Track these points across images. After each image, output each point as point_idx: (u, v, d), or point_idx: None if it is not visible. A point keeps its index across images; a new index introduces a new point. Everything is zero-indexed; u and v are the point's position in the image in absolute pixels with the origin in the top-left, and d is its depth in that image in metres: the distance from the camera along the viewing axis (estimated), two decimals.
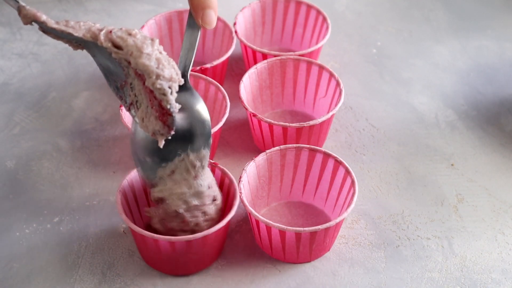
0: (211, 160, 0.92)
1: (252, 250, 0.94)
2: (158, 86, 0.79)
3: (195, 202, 0.88)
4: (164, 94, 0.80)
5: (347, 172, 0.93)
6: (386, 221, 0.97)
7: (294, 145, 0.96)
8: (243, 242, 0.95)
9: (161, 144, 0.83)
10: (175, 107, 0.81)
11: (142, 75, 0.80)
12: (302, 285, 0.90)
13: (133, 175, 0.92)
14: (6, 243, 0.93)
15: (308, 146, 0.96)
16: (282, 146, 0.96)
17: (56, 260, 0.92)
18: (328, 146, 1.06)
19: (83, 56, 1.19)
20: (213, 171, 0.93)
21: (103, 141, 1.06)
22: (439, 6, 1.32)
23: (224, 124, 1.01)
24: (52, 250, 0.93)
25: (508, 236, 0.96)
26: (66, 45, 1.20)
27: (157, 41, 0.81)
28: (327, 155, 0.95)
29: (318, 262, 0.93)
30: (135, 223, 0.89)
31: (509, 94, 1.15)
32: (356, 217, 0.97)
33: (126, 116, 0.99)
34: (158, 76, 0.79)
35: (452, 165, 1.05)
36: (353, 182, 0.92)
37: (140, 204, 0.94)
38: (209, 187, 0.89)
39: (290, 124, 0.99)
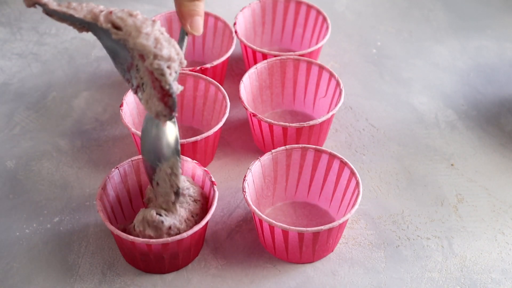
0: (193, 160, 0.94)
1: (252, 250, 0.94)
2: (155, 66, 0.78)
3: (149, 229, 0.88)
4: (163, 75, 0.78)
5: (352, 173, 0.93)
6: (386, 221, 0.97)
7: (300, 145, 0.96)
8: (243, 242, 0.95)
9: (164, 124, 0.84)
10: (176, 88, 0.79)
11: (143, 55, 0.79)
12: (302, 285, 0.90)
13: (114, 172, 0.93)
14: (6, 243, 0.93)
15: (314, 146, 0.95)
16: (288, 146, 0.95)
17: (56, 260, 0.92)
18: (328, 146, 1.06)
19: (83, 56, 1.19)
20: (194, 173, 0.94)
21: (103, 141, 1.06)
22: (439, 6, 1.32)
23: (224, 124, 1.01)
24: (52, 250, 0.93)
25: (508, 236, 0.96)
26: (66, 45, 1.21)
27: (158, 22, 0.80)
28: (332, 156, 0.95)
29: (318, 262, 0.93)
30: (124, 217, 0.93)
31: (509, 94, 1.15)
32: (356, 217, 0.97)
33: (126, 116, 0.99)
34: (156, 56, 0.78)
35: (452, 165, 1.05)
36: (357, 184, 0.92)
37: (130, 200, 0.95)
38: (170, 227, 0.88)
39: (290, 124, 0.99)
